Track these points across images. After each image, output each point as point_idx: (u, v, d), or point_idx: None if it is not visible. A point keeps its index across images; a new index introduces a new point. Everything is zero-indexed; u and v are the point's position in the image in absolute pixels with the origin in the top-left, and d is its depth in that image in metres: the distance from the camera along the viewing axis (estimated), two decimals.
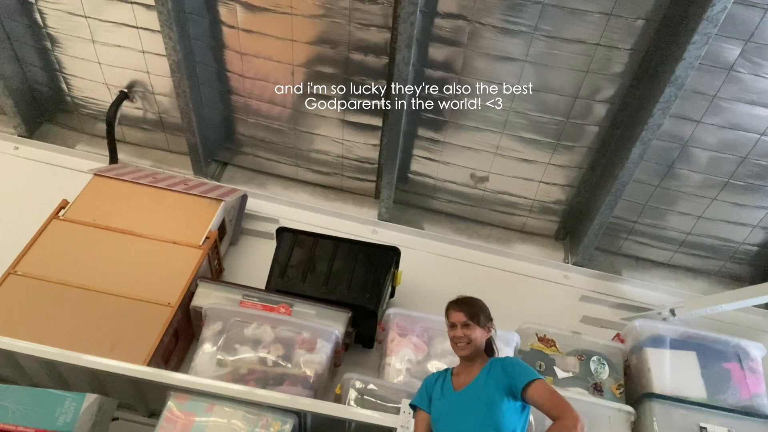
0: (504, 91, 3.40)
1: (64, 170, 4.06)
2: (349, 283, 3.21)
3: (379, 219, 4.13)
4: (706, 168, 3.50)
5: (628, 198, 3.72)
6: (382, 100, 3.62)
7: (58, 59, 4.00)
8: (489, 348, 2.33)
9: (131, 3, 3.51)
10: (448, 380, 2.26)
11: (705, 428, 2.78)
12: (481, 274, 3.93)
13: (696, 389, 2.91)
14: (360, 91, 3.61)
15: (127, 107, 4.10)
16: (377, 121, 3.75)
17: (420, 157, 3.95)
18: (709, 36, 2.76)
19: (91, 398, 2.38)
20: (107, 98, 4.08)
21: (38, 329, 2.72)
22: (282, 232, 3.43)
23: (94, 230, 3.19)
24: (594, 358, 3.01)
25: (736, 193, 3.58)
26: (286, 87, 3.69)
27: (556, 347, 3.05)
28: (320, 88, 3.66)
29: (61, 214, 3.24)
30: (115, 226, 3.21)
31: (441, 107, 3.59)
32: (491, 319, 2.33)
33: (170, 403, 2.46)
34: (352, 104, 3.69)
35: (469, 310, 2.29)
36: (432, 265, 3.92)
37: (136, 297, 2.91)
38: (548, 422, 2.71)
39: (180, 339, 3.08)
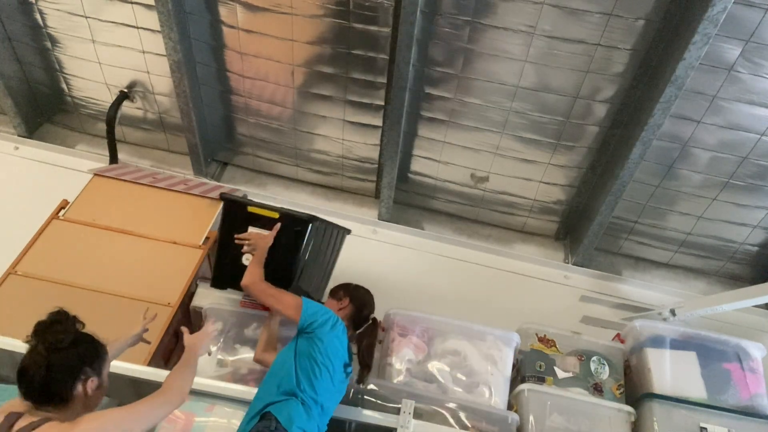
0: (504, 91, 3.41)
1: (64, 170, 4.06)
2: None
3: (379, 219, 4.13)
4: (707, 168, 3.50)
5: (628, 198, 3.72)
6: (383, 100, 3.62)
7: (58, 59, 4.00)
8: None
9: (131, 3, 3.51)
10: None
11: (705, 428, 2.77)
12: (481, 274, 3.93)
13: (696, 389, 2.90)
14: (360, 91, 3.61)
15: (127, 107, 4.10)
16: (377, 121, 3.75)
17: (420, 157, 3.95)
18: (710, 36, 2.76)
19: None
20: (107, 98, 4.08)
21: None
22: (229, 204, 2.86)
23: (94, 230, 3.19)
24: (594, 358, 3.01)
25: (737, 194, 3.58)
26: (286, 87, 3.70)
27: (556, 347, 3.04)
28: (320, 88, 3.66)
29: (61, 214, 3.23)
30: (115, 226, 3.20)
31: (441, 107, 3.59)
32: (348, 295, 2.64)
33: None
34: (352, 104, 3.70)
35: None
36: (432, 265, 3.92)
37: (136, 297, 2.90)
38: (548, 423, 2.72)
39: (180, 339, 3.08)
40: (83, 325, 1.84)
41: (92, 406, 1.81)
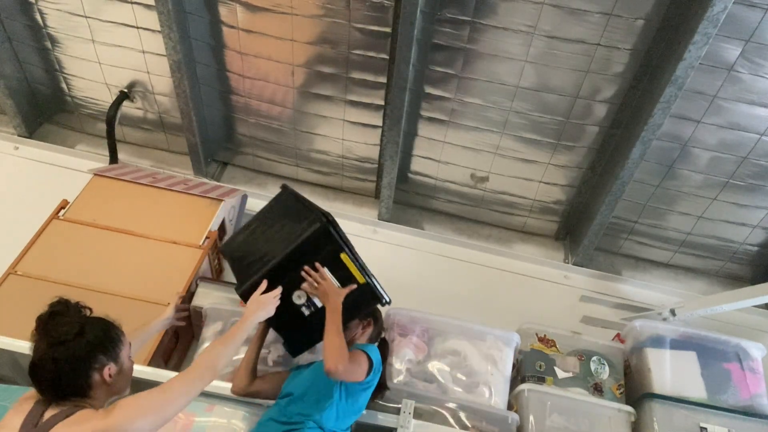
0: (504, 91, 3.41)
1: (64, 170, 4.06)
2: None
3: (379, 219, 4.13)
4: (707, 168, 3.50)
5: (628, 198, 3.72)
6: (383, 100, 3.62)
7: (58, 59, 4.00)
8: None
9: (131, 3, 3.51)
10: None
11: (705, 428, 2.77)
12: (481, 274, 3.93)
13: (696, 389, 2.90)
14: (360, 91, 3.61)
15: (127, 107, 4.10)
16: (377, 121, 3.75)
17: (420, 157, 3.95)
18: (710, 36, 2.76)
19: None
20: (107, 98, 4.08)
21: None
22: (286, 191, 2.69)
23: (94, 230, 3.19)
24: (594, 358, 3.01)
25: (737, 193, 3.58)
26: (286, 87, 3.70)
27: (556, 347, 3.05)
28: (320, 88, 3.66)
29: (61, 214, 3.23)
30: (115, 226, 3.20)
31: (441, 107, 3.59)
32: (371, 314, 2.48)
33: None
34: (352, 104, 3.69)
35: None
36: (432, 265, 3.92)
37: (136, 297, 2.90)
38: (548, 423, 2.72)
39: (180, 339, 3.08)
40: (90, 310, 1.74)
41: (118, 391, 1.73)
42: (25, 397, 1.68)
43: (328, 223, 2.26)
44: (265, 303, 2.04)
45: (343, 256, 2.30)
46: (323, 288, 2.23)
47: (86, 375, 1.62)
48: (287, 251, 2.26)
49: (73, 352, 1.61)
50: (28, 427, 1.56)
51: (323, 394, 2.19)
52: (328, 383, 2.19)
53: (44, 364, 1.60)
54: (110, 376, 1.67)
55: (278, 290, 2.15)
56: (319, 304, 2.30)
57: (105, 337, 1.69)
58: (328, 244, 2.28)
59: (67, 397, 1.61)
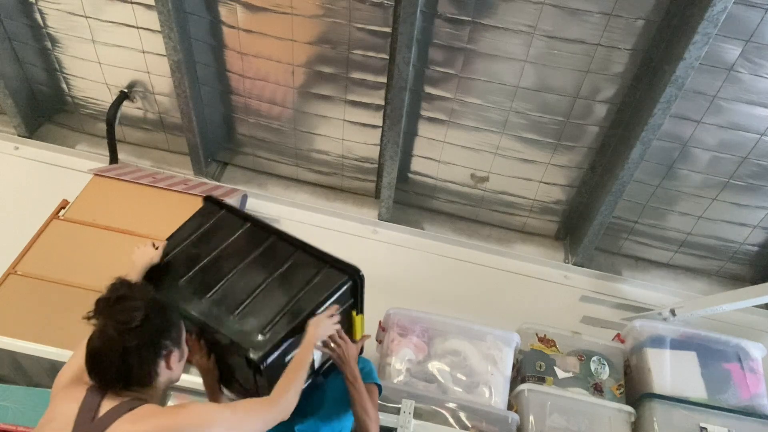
0: (504, 91, 3.41)
1: (64, 170, 4.06)
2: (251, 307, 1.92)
3: (379, 219, 4.13)
4: (707, 168, 3.50)
5: (628, 198, 3.72)
6: (383, 100, 3.62)
7: (58, 59, 4.00)
8: None
9: (131, 3, 3.51)
10: None
11: (705, 428, 2.78)
12: (481, 274, 3.93)
13: (696, 389, 2.91)
14: (360, 91, 3.61)
15: (127, 107, 4.10)
16: (377, 121, 3.75)
17: (420, 157, 3.95)
18: (710, 36, 2.76)
19: None
20: (107, 98, 4.08)
21: (38, 329, 2.71)
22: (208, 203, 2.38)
23: (94, 230, 3.19)
24: (594, 358, 3.01)
25: (737, 194, 3.58)
26: (286, 87, 3.70)
27: (556, 347, 3.05)
28: (320, 88, 3.66)
29: (61, 214, 3.23)
30: (115, 226, 3.20)
31: (441, 107, 3.59)
32: None
33: (170, 403, 2.45)
34: (352, 104, 3.70)
35: None
36: (432, 265, 3.92)
37: None
38: (548, 423, 2.72)
39: None
40: (151, 289, 1.61)
41: (176, 378, 1.62)
42: (71, 379, 1.56)
43: (359, 277, 2.02)
44: (322, 323, 1.83)
45: (354, 313, 2.11)
46: (344, 353, 1.96)
47: (155, 362, 1.51)
48: (315, 305, 1.91)
49: (142, 339, 1.48)
50: (84, 419, 1.44)
51: (340, 427, 2.13)
52: (347, 417, 2.08)
53: (112, 352, 1.46)
54: (175, 362, 1.57)
55: (334, 309, 1.90)
56: (317, 365, 2.03)
57: (170, 320, 1.57)
58: (349, 301, 2.06)
59: (129, 387, 1.49)
